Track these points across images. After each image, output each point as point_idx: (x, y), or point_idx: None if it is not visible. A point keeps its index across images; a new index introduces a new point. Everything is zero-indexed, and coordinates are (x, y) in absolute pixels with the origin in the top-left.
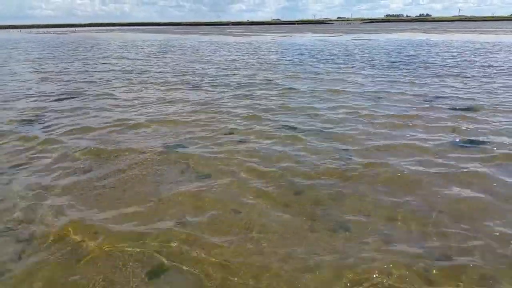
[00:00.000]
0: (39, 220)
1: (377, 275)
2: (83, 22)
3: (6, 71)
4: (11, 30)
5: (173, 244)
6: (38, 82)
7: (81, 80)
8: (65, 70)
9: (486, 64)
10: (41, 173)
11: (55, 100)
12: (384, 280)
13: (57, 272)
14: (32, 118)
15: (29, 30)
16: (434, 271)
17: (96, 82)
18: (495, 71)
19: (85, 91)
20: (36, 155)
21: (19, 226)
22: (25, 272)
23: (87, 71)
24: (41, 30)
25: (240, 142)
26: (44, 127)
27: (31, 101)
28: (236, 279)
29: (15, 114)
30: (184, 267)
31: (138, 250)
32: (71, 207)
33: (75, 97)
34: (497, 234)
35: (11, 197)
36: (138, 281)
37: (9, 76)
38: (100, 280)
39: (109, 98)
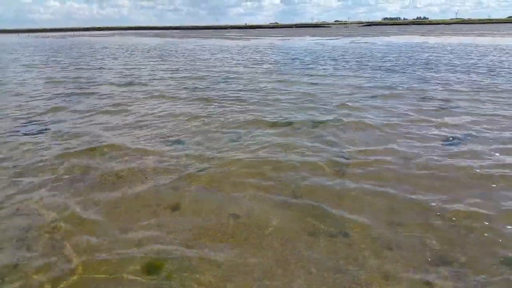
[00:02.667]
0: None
1: (377, 281)
2: (81, 26)
3: (8, 75)
4: (9, 34)
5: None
6: (40, 85)
7: (83, 83)
8: (65, 75)
9: (487, 66)
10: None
11: (56, 101)
12: (385, 286)
13: None
14: (32, 119)
15: (27, 34)
16: (435, 276)
17: (97, 85)
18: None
19: (86, 92)
20: (36, 154)
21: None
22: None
23: (87, 75)
24: (39, 34)
25: (238, 142)
26: (43, 128)
27: (31, 103)
28: (234, 284)
29: (16, 115)
30: (182, 272)
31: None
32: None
33: (78, 98)
34: (501, 239)
35: None
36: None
37: (12, 79)
38: None
39: (112, 98)
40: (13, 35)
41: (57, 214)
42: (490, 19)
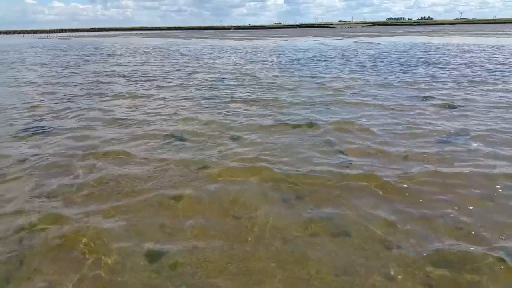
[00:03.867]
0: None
1: (377, 280)
2: (86, 27)
3: (15, 74)
4: (14, 35)
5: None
6: (46, 84)
7: (90, 82)
8: (71, 74)
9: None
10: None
11: (63, 101)
12: (385, 286)
13: None
14: (41, 118)
15: (31, 35)
16: (435, 277)
17: (104, 84)
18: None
19: (92, 92)
20: (42, 154)
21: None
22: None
23: (95, 73)
24: (43, 35)
25: (240, 142)
26: (51, 126)
27: (38, 103)
28: (235, 283)
29: (24, 114)
30: (183, 266)
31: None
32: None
33: (85, 99)
34: (501, 240)
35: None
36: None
37: (19, 78)
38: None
39: (120, 97)
40: (18, 36)
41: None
42: (495, 19)
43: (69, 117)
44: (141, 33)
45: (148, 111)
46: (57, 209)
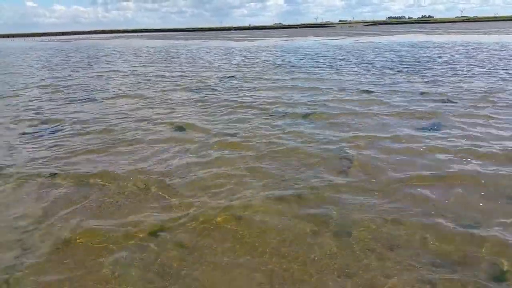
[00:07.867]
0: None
1: (380, 281)
2: (87, 30)
3: (20, 77)
4: (15, 38)
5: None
6: (51, 83)
7: (94, 84)
8: (75, 75)
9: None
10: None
11: (68, 102)
12: (387, 287)
13: None
14: (45, 117)
15: (33, 38)
16: (438, 277)
17: (107, 82)
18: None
19: (96, 94)
20: (48, 153)
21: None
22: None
23: (99, 75)
24: (45, 38)
25: (242, 141)
26: (57, 123)
27: (42, 103)
28: (236, 283)
29: (30, 115)
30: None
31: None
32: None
33: (90, 101)
34: (502, 239)
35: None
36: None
37: (25, 78)
38: None
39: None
40: (20, 39)
41: None
42: (496, 17)
43: (76, 113)
44: (142, 35)
45: (152, 111)
46: None
